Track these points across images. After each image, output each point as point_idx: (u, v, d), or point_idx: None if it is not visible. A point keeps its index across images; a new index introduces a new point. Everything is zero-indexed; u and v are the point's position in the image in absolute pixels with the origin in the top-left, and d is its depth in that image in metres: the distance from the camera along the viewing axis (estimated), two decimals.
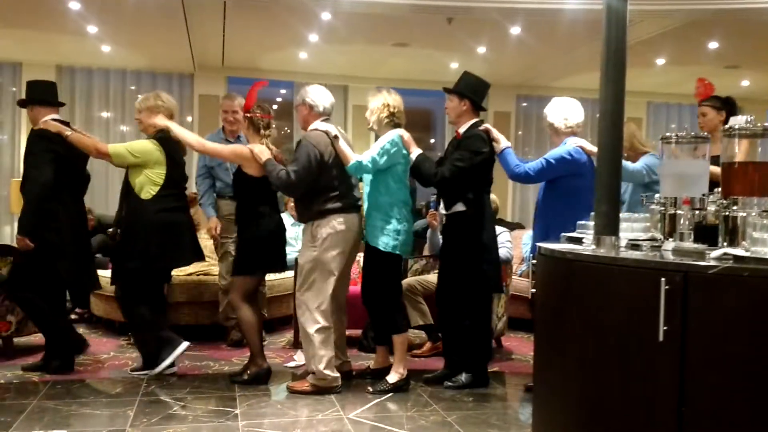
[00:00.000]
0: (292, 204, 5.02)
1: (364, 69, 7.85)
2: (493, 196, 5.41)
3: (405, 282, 5.07)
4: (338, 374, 4.10)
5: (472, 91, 4.25)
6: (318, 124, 4.16)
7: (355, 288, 5.17)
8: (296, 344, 4.41)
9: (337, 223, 4.05)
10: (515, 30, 5.99)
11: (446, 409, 3.79)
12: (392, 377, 4.15)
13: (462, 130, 4.23)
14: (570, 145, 4.04)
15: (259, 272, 4.36)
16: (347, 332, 5.19)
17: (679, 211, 2.65)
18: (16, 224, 7.43)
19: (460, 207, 4.14)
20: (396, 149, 4.13)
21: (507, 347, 5.42)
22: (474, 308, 4.19)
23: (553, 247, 2.81)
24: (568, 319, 2.65)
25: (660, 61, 7.14)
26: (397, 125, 4.22)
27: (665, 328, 2.18)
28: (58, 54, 7.22)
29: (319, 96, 4.22)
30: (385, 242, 4.11)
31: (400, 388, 4.12)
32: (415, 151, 4.16)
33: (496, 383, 4.39)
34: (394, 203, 4.14)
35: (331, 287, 4.06)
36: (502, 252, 5.04)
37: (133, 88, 7.94)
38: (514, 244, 5.41)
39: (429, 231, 5.31)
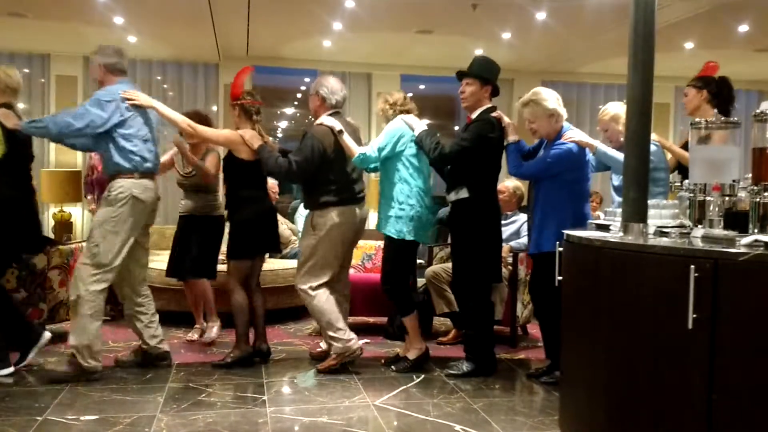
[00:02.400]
0: None
1: (388, 56, 7.82)
2: (518, 184, 5.40)
3: (430, 269, 5.07)
4: (354, 336, 4.21)
5: (494, 75, 4.18)
6: (325, 119, 4.20)
7: (379, 275, 5.21)
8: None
9: (335, 215, 4.14)
10: (541, 15, 5.92)
11: (472, 396, 3.80)
12: (412, 354, 4.26)
13: (474, 115, 4.15)
14: (569, 142, 3.92)
15: (253, 255, 4.41)
16: (372, 320, 5.24)
17: (708, 198, 2.63)
18: (47, 213, 7.59)
19: (464, 194, 4.09)
20: (400, 135, 4.14)
21: (533, 335, 5.40)
22: (473, 296, 4.16)
23: (580, 234, 2.79)
24: (595, 307, 2.64)
25: (688, 45, 7.01)
26: (405, 113, 4.23)
27: (695, 315, 2.17)
28: (85, 45, 7.26)
29: (332, 88, 4.26)
30: (397, 229, 4.14)
31: (420, 363, 4.23)
32: (419, 128, 4.11)
33: (522, 370, 4.39)
34: (406, 190, 4.14)
35: (326, 276, 4.18)
36: (527, 240, 5.02)
37: (159, 78, 8.00)
38: None
39: None
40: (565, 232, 2.93)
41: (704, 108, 4.06)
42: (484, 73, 4.15)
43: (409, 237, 4.15)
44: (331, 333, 4.16)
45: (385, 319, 5.32)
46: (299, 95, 12.08)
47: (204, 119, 4.70)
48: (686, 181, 2.80)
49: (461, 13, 5.89)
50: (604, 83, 8.68)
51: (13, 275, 4.56)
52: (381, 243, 5.79)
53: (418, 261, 5.71)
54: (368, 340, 4.97)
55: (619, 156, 3.92)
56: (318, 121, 4.23)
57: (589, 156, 4.01)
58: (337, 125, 4.16)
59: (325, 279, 4.19)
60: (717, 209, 2.58)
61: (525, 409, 3.62)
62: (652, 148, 4.02)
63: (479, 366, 4.19)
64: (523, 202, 5.44)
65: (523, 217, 5.23)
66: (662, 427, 2.33)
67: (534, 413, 3.56)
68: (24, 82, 7.58)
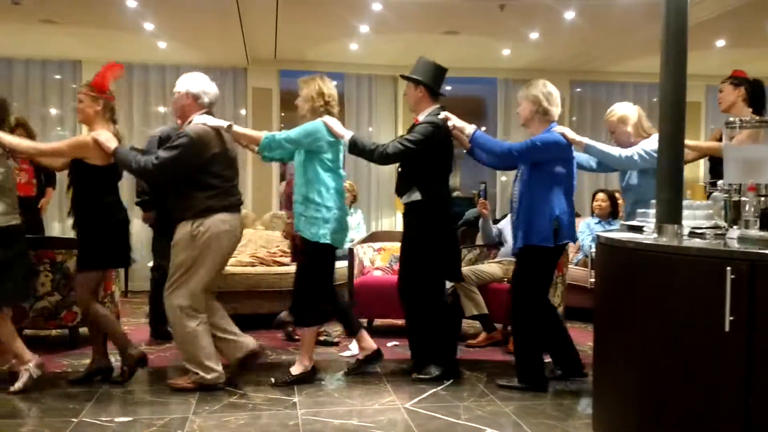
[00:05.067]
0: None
1: (414, 58, 7.72)
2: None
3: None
4: (221, 370, 3.89)
5: (428, 77, 4.15)
6: (203, 118, 3.89)
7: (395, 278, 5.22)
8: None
9: (219, 221, 3.83)
10: (569, 15, 5.87)
11: (503, 399, 3.77)
12: (295, 368, 4.08)
13: (421, 117, 4.13)
14: (554, 132, 3.88)
15: (105, 266, 4.09)
16: (400, 322, 5.22)
17: (743, 198, 2.58)
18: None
19: (416, 196, 4.06)
20: (318, 134, 3.96)
21: None
22: (425, 297, 4.12)
23: (613, 236, 2.76)
24: (629, 309, 2.61)
25: (720, 43, 6.90)
26: (330, 114, 4.08)
27: (731, 318, 2.14)
28: (115, 51, 7.38)
29: (205, 86, 3.97)
30: (313, 232, 3.98)
31: (303, 380, 4.04)
32: (347, 134, 4.01)
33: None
34: (324, 192, 3.99)
35: (202, 285, 3.85)
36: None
37: None
38: None
39: (481, 220, 5.29)
40: (598, 233, 2.90)
41: (739, 105, 4.01)
42: (417, 75, 4.16)
43: (324, 240, 3.99)
44: (205, 362, 3.84)
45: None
46: None
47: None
48: (720, 181, 2.76)
49: (488, 14, 5.87)
50: (633, 82, 8.58)
51: (47, 278, 4.65)
52: None
53: None
54: (396, 343, 4.96)
55: (613, 150, 3.92)
56: (196, 120, 3.88)
57: (578, 157, 4.03)
58: (224, 123, 3.91)
59: (199, 289, 3.84)
60: (752, 210, 2.54)
61: (556, 412, 3.59)
62: (656, 145, 3.95)
63: (447, 370, 4.14)
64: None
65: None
66: (697, 431, 2.29)
67: (565, 416, 3.53)
68: (56, 89, 7.82)
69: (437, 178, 4.12)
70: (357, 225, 6.62)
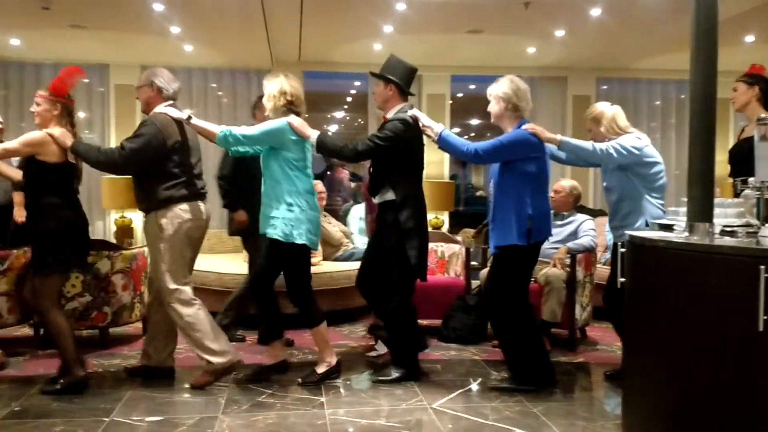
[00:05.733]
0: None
1: (438, 57, 7.79)
2: (574, 183, 5.32)
3: (484, 272, 5.03)
4: (229, 349, 3.98)
5: (398, 75, 4.13)
6: (165, 108, 3.95)
7: (433, 277, 5.20)
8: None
9: (181, 211, 3.89)
10: (595, 11, 5.82)
11: (531, 399, 3.75)
12: (320, 367, 4.11)
13: (389, 115, 4.10)
14: (524, 129, 3.84)
15: (64, 269, 4.00)
16: (426, 322, 5.21)
17: None
18: (108, 219, 7.82)
19: (389, 195, 4.04)
20: (279, 134, 3.92)
21: (592, 337, 5.32)
22: (395, 297, 4.09)
23: (644, 234, 2.73)
24: (659, 309, 2.58)
25: (749, 39, 6.79)
26: (295, 114, 4.03)
27: (765, 317, 2.10)
28: (142, 55, 7.49)
29: (168, 79, 4.04)
30: (279, 232, 3.91)
31: (328, 377, 4.08)
32: (314, 133, 3.95)
33: (582, 374, 4.32)
34: (290, 192, 3.93)
35: (182, 272, 3.94)
36: (586, 240, 4.95)
37: (214, 85, 8.14)
38: (598, 232, 5.27)
39: None
40: (628, 232, 2.87)
41: (753, 105, 3.93)
42: (386, 72, 4.14)
43: (299, 241, 3.92)
44: (212, 346, 3.93)
45: (439, 322, 5.29)
46: (349, 99, 12.18)
47: None
48: (751, 179, 2.71)
49: (513, 12, 5.84)
50: (660, 79, 8.48)
51: (78, 280, 4.71)
52: (434, 245, 5.81)
53: (473, 263, 5.69)
54: None
55: (588, 145, 3.89)
56: (157, 110, 3.95)
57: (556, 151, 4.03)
58: (184, 114, 3.93)
59: (190, 283, 3.98)
60: None
61: (586, 413, 3.56)
62: (632, 140, 3.90)
63: (408, 371, 4.11)
64: (579, 202, 5.36)
65: (580, 218, 5.15)
66: None
67: (595, 417, 3.50)
68: (84, 92, 7.92)
69: (409, 177, 4.09)
70: None
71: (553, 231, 5.14)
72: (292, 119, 3.96)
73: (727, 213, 2.76)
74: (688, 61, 2.74)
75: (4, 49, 7.07)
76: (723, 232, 2.57)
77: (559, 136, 3.84)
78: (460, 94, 9.95)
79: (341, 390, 3.97)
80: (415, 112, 4.04)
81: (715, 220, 2.67)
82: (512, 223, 3.79)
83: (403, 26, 6.35)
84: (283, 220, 3.91)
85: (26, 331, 5.15)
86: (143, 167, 3.89)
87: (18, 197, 4.62)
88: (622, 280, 2.88)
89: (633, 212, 3.90)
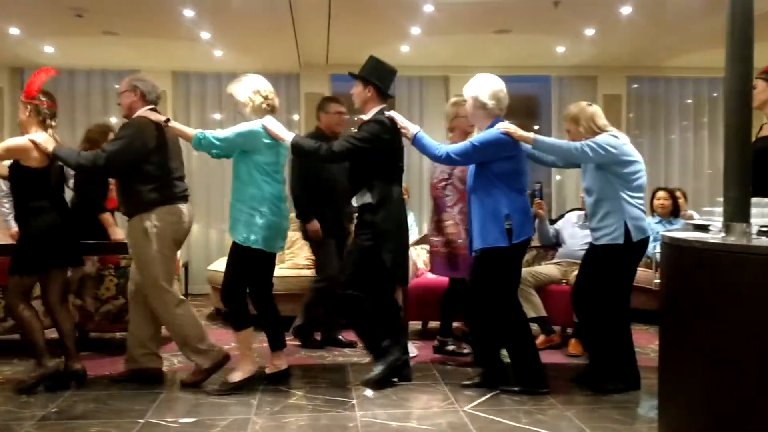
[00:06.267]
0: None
1: (465, 58, 7.76)
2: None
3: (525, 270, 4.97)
4: (214, 346, 4.01)
5: (377, 77, 4.08)
6: (145, 112, 3.99)
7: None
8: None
9: (164, 213, 3.93)
10: (626, 9, 5.75)
11: (564, 402, 3.71)
12: (236, 375, 3.98)
13: (367, 117, 4.07)
14: (496, 129, 3.80)
15: (41, 270, 4.01)
16: (458, 324, 5.18)
17: None
18: None
19: (368, 198, 3.99)
20: (253, 136, 3.86)
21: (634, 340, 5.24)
22: (375, 299, 4.05)
23: (679, 235, 2.69)
24: (696, 311, 2.53)
25: None
26: (272, 111, 4.00)
27: None
28: (173, 60, 7.59)
29: (150, 85, 4.10)
30: (245, 236, 3.86)
31: (240, 387, 3.94)
32: (288, 136, 3.89)
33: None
34: (260, 196, 3.87)
35: (167, 273, 3.98)
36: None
37: None
38: None
39: (537, 220, 5.19)
40: (663, 233, 2.83)
41: None
42: (365, 74, 4.09)
43: (256, 246, 3.87)
44: (198, 346, 3.99)
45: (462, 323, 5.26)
46: None
47: None
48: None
49: (542, 11, 5.80)
50: (692, 77, 8.35)
51: (111, 283, 4.78)
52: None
53: None
54: (453, 347, 4.91)
55: (563, 143, 3.86)
56: (138, 114, 4.00)
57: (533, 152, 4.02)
58: (162, 117, 3.99)
59: (174, 286, 4.03)
60: None
61: (620, 416, 3.51)
62: (609, 139, 3.84)
63: (391, 372, 4.05)
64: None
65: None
66: None
67: (630, 420, 3.45)
68: (116, 98, 8.02)
69: (387, 179, 4.04)
70: (409, 227, 6.60)
71: (585, 232, 5.10)
72: (267, 121, 3.91)
73: (763, 213, 2.71)
74: (721, 59, 2.69)
75: (38, 57, 7.21)
76: (760, 233, 2.52)
77: (533, 135, 3.81)
78: None
79: (372, 392, 3.96)
80: (392, 113, 4.01)
81: (753, 220, 2.62)
82: (489, 225, 3.76)
83: (430, 27, 6.34)
84: (244, 224, 3.88)
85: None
86: (124, 169, 3.94)
87: None
88: (657, 281, 2.84)
89: (611, 213, 3.85)
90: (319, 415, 3.55)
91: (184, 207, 4.07)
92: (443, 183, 4.61)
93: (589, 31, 6.55)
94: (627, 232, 3.78)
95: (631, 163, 3.84)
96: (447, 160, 3.91)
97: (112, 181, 4.68)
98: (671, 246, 2.71)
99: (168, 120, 4.00)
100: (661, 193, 6.22)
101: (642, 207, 3.88)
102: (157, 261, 3.93)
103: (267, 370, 4.14)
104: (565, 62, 7.85)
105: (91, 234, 4.58)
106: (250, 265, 3.96)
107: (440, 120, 8.26)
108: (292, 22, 6.00)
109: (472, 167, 3.95)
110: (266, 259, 4.04)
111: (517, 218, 3.77)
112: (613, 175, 3.83)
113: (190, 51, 7.12)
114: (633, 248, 3.82)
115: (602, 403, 3.73)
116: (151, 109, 4.04)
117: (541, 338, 5.00)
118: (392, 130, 4.00)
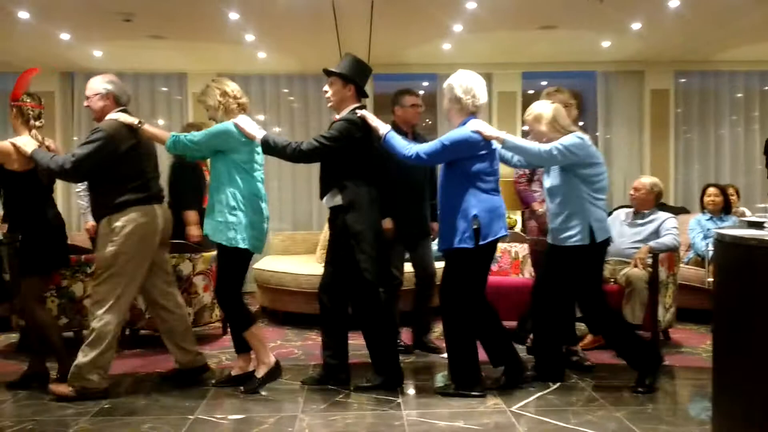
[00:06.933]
0: None
1: (508, 55, 7.70)
2: (655, 180, 5.16)
3: None
4: (104, 380, 3.86)
5: (357, 75, 4.00)
6: (116, 115, 3.95)
7: (506, 278, 5.15)
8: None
9: (136, 215, 3.85)
10: (673, 3, 5.63)
11: (613, 403, 3.66)
12: (260, 370, 4.00)
13: (339, 116, 3.99)
14: (467, 128, 3.72)
15: (46, 270, 4.10)
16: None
17: None
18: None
19: (338, 200, 3.90)
20: (225, 136, 3.85)
21: (675, 339, 5.14)
22: (358, 303, 3.98)
23: (733, 232, 2.63)
24: (751, 309, 2.47)
25: None
26: (243, 111, 3.98)
27: None
28: (218, 63, 7.69)
29: (122, 88, 4.06)
30: (229, 237, 3.84)
31: (272, 377, 3.99)
32: (259, 134, 3.83)
33: (665, 377, 4.17)
34: (233, 195, 3.85)
35: (129, 282, 3.87)
36: (668, 239, 4.79)
37: (285, 91, 8.29)
38: (680, 230, 5.08)
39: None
40: (716, 230, 2.77)
41: None
42: (346, 71, 3.99)
43: (243, 245, 3.85)
44: (81, 369, 3.79)
45: (514, 323, 5.21)
46: None
47: None
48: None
49: (588, 6, 5.71)
50: (743, 70, 8.12)
51: None
52: (507, 246, 5.74)
53: None
54: None
55: (531, 145, 3.79)
56: (110, 116, 3.95)
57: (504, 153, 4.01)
58: (135, 120, 3.93)
59: (118, 296, 3.83)
60: None
61: (670, 417, 3.45)
62: (576, 140, 3.77)
63: (388, 378, 3.97)
64: (661, 199, 5.20)
65: (662, 216, 4.99)
66: None
67: (680, 422, 3.39)
68: (163, 100, 8.20)
69: (359, 179, 3.92)
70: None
71: (634, 230, 5.04)
72: (240, 120, 3.90)
73: None
74: None
75: (87, 61, 7.39)
76: None
77: (503, 134, 3.75)
78: (531, 91, 9.82)
79: (418, 391, 3.97)
80: (363, 112, 3.93)
81: None
82: (456, 225, 3.71)
83: (473, 25, 6.30)
84: (226, 224, 3.85)
85: None
86: (93, 173, 3.91)
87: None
88: (710, 280, 2.78)
89: (575, 214, 3.82)
90: (365, 414, 3.57)
91: (158, 208, 4.01)
92: (524, 178, 4.66)
93: (636, 26, 6.42)
94: (591, 233, 3.80)
95: (596, 165, 3.86)
96: (416, 159, 3.83)
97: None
98: (724, 243, 2.65)
99: (141, 122, 3.97)
100: (711, 190, 6.08)
101: (605, 208, 3.92)
102: (117, 264, 3.83)
103: (233, 372, 4.13)
104: (610, 57, 7.71)
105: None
106: (239, 265, 3.96)
107: (482, 116, 8.23)
108: (335, 22, 6.03)
109: (442, 166, 3.90)
110: (248, 260, 4.03)
111: (486, 218, 3.70)
112: (577, 177, 3.82)
113: (235, 53, 7.21)
114: (597, 248, 3.87)
115: (652, 404, 3.66)
116: (122, 110, 4.02)
117: (589, 337, 4.93)
118: (363, 128, 3.91)
